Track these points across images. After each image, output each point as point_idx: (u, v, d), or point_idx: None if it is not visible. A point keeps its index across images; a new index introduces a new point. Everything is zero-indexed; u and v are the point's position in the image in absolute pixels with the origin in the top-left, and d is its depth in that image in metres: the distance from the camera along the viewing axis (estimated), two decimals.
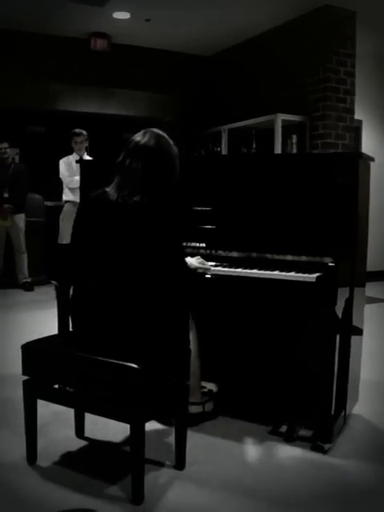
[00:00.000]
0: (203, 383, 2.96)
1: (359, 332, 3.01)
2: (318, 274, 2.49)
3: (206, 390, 2.98)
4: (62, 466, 2.46)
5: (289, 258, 2.71)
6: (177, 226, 2.42)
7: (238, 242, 2.87)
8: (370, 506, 2.20)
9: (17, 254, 7.08)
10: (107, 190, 2.42)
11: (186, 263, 2.56)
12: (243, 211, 2.93)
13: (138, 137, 2.46)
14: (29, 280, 7.10)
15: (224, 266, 2.77)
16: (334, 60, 6.58)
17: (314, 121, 6.72)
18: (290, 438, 2.71)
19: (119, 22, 7.03)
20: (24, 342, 2.44)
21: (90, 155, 6.58)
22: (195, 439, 2.68)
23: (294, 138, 6.82)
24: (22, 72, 7.23)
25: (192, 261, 2.70)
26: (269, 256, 2.76)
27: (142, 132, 2.48)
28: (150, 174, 2.39)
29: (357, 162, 2.74)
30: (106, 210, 2.38)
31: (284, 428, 2.77)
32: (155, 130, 2.50)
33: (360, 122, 7.78)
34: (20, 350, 2.41)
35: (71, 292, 2.60)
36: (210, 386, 3.02)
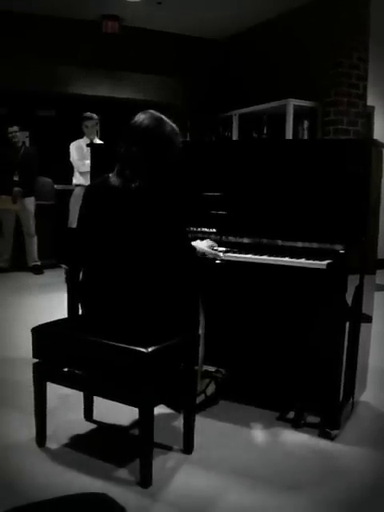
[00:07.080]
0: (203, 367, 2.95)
1: (369, 319, 3.01)
2: (328, 261, 2.48)
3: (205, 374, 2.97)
4: (71, 449, 2.49)
5: (299, 244, 2.70)
6: (178, 209, 2.41)
7: (248, 228, 2.86)
8: (377, 493, 2.20)
9: (26, 237, 7.11)
10: (110, 175, 2.42)
11: (190, 246, 2.55)
12: (254, 197, 2.92)
13: (134, 119, 2.45)
14: (38, 263, 7.12)
15: (234, 252, 2.77)
16: (346, 45, 6.49)
17: (325, 107, 6.65)
18: (297, 424, 2.72)
19: (131, 5, 6.96)
20: (34, 325, 2.45)
21: (100, 139, 6.57)
22: (203, 424, 2.69)
23: (306, 124, 6.76)
24: (33, 55, 7.19)
25: (202, 245, 2.69)
26: (279, 242, 2.75)
27: (138, 114, 2.46)
28: (146, 154, 2.38)
29: (369, 149, 2.72)
30: (109, 196, 2.39)
31: (292, 414, 2.79)
32: (151, 111, 2.47)
33: (372, 108, 7.70)
34: (30, 333, 2.43)
35: (81, 276, 2.61)
36: (209, 368, 2.99)
